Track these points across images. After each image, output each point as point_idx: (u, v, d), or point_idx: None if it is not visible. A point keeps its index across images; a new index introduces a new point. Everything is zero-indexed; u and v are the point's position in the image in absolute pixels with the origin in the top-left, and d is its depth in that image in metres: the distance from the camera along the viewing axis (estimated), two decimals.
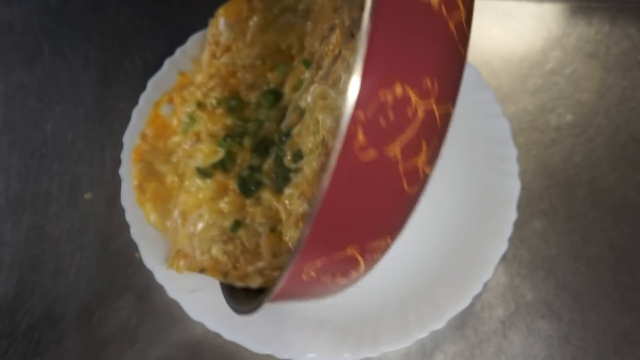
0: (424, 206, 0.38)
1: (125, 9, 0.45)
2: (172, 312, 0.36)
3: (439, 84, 0.19)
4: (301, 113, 0.33)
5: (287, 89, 0.36)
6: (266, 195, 0.35)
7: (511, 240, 0.37)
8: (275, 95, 0.37)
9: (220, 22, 0.39)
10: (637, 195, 0.39)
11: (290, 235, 0.33)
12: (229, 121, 0.37)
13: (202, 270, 0.34)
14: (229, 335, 0.34)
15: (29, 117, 0.42)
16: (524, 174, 0.40)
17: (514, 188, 0.37)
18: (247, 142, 0.36)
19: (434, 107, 0.19)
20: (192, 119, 0.37)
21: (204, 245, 0.35)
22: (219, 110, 0.37)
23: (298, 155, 0.33)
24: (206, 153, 0.36)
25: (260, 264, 0.34)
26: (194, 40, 0.40)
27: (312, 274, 0.22)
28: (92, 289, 0.37)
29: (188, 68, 0.40)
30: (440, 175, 0.39)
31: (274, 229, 0.34)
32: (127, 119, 0.39)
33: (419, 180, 0.20)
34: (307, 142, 0.32)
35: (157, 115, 0.39)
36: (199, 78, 0.38)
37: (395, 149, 0.19)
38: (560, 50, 0.44)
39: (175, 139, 0.37)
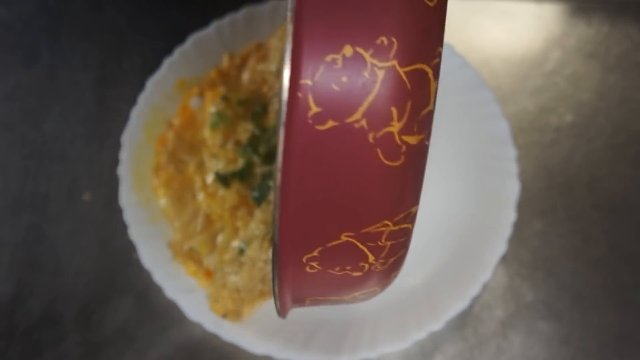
0: (422, 206, 0.38)
1: (125, 9, 0.45)
2: (171, 313, 0.36)
3: (401, 43, 0.17)
4: None
5: None
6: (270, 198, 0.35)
7: (511, 241, 0.37)
8: None
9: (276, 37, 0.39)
10: (638, 195, 0.39)
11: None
12: (249, 126, 0.37)
13: (224, 315, 0.35)
14: (226, 336, 0.34)
15: (28, 117, 0.42)
16: (524, 175, 0.40)
17: (513, 189, 0.37)
18: (262, 149, 0.36)
19: (398, 68, 0.18)
20: (221, 116, 0.37)
21: (224, 275, 0.35)
22: (241, 110, 0.37)
23: None
24: (230, 159, 0.36)
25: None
26: (192, 40, 0.40)
27: (316, 265, 0.21)
28: (91, 289, 0.37)
29: (187, 68, 0.40)
30: (439, 175, 0.39)
31: (264, 237, 0.34)
32: (126, 119, 0.39)
33: (400, 152, 0.18)
34: None
35: (186, 107, 0.39)
36: (246, 75, 0.39)
37: (357, 117, 0.18)
38: (560, 51, 0.44)
39: (204, 133, 0.38)
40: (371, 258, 0.20)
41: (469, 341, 0.36)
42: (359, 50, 0.17)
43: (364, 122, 0.18)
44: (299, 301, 0.24)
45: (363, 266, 0.21)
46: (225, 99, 0.38)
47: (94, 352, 0.36)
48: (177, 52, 0.40)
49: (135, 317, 0.37)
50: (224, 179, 0.36)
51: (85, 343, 0.36)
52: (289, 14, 0.17)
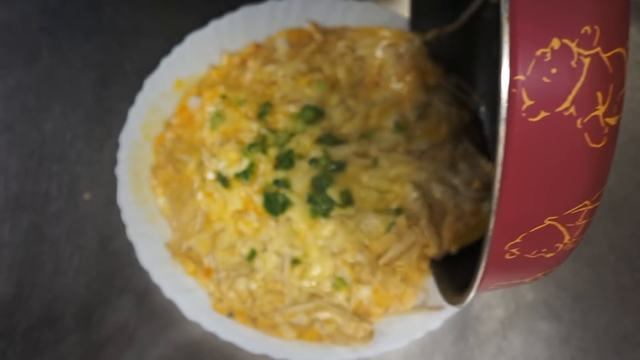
0: None
1: (124, 9, 0.45)
2: (171, 313, 0.36)
3: (602, 30, 0.19)
4: (373, 160, 0.35)
5: (333, 114, 0.37)
6: (296, 217, 0.34)
7: None
8: (316, 113, 0.37)
9: (279, 40, 0.40)
10: (638, 195, 0.39)
11: (320, 271, 0.33)
12: (254, 126, 0.37)
13: (230, 314, 0.34)
14: (224, 335, 0.34)
15: (28, 117, 0.42)
16: None
17: None
18: (272, 152, 0.36)
19: (601, 54, 0.19)
20: (220, 116, 0.37)
21: (229, 278, 0.34)
22: (243, 109, 0.37)
23: (346, 194, 0.34)
24: (232, 159, 0.36)
25: (286, 311, 0.34)
26: (190, 39, 0.40)
27: (516, 252, 0.21)
28: (91, 289, 0.37)
29: (184, 68, 0.40)
30: None
31: (297, 261, 0.34)
32: (126, 119, 0.39)
33: (603, 134, 0.20)
34: (371, 194, 0.34)
35: (185, 106, 0.39)
36: (248, 75, 0.39)
37: (567, 105, 0.19)
38: None
39: (203, 133, 0.38)
40: (567, 238, 0.22)
41: (470, 341, 0.36)
42: (566, 41, 0.19)
43: (572, 109, 0.19)
44: (486, 288, 0.24)
45: (557, 247, 0.22)
46: (224, 98, 0.38)
47: (94, 352, 0.36)
48: (175, 52, 0.40)
49: (135, 317, 0.37)
50: (223, 180, 0.36)
51: (85, 343, 0.36)
52: (505, 15, 0.18)
